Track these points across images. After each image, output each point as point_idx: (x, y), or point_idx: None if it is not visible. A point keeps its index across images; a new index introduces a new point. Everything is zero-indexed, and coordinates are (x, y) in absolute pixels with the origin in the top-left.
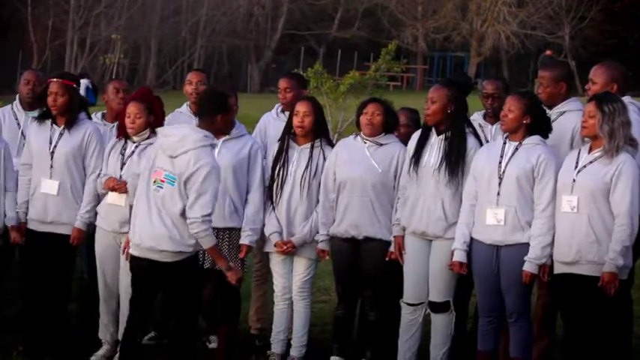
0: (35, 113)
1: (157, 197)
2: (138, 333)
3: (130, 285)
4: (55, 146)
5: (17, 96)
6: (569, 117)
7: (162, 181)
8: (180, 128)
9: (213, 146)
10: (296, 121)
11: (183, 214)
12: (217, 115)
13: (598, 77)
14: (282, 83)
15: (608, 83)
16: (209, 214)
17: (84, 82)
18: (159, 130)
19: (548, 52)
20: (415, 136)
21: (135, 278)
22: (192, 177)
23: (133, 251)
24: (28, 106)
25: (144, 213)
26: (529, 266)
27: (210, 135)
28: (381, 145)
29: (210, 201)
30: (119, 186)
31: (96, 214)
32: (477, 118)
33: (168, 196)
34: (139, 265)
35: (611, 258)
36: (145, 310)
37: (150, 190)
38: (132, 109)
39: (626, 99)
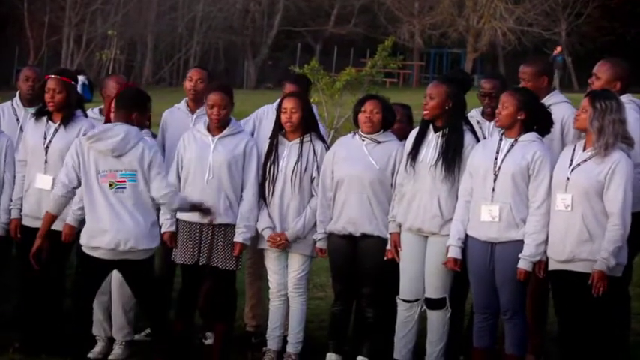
0: (34, 109)
1: (123, 198)
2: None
3: (123, 283)
4: (50, 142)
5: (17, 92)
6: (555, 109)
7: (122, 182)
8: (112, 129)
9: (146, 134)
10: (284, 117)
11: (149, 205)
12: (132, 113)
13: (603, 73)
14: (287, 88)
15: (612, 80)
16: (173, 183)
17: (80, 78)
18: (90, 136)
19: (558, 49)
20: (413, 134)
21: (94, 279)
22: (152, 162)
23: (102, 255)
24: (27, 103)
25: (111, 217)
26: (523, 263)
27: (137, 130)
28: (379, 142)
29: (171, 172)
30: None
31: None
32: (474, 115)
33: (134, 193)
34: (104, 267)
35: (604, 257)
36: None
37: (107, 194)
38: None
39: (627, 97)
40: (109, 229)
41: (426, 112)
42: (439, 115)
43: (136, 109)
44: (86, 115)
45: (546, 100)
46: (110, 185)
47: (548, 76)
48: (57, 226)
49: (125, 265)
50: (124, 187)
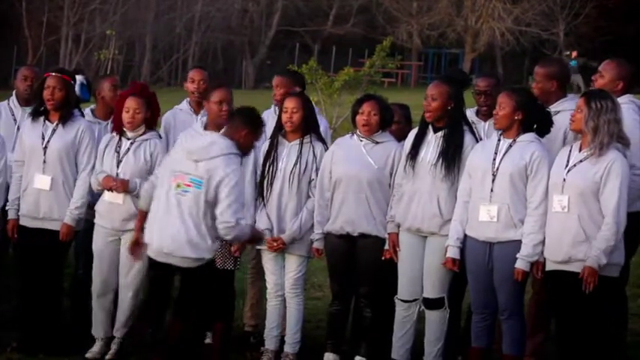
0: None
1: (182, 201)
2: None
3: (132, 282)
4: (48, 142)
5: (14, 92)
6: (561, 117)
7: (188, 185)
8: (207, 135)
9: (237, 156)
10: (284, 117)
11: (208, 217)
12: (243, 130)
13: (607, 72)
14: (274, 81)
15: (615, 80)
16: (241, 218)
17: (79, 78)
18: (183, 133)
19: (574, 54)
20: (412, 134)
21: (154, 281)
22: (222, 182)
23: (150, 253)
24: (24, 102)
25: (164, 218)
26: (521, 264)
27: (234, 146)
28: (378, 143)
29: (241, 205)
30: (116, 186)
31: (91, 211)
32: (469, 115)
33: (194, 200)
34: (158, 268)
35: (595, 255)
36: (160, 310)
37: (170, 194)
38: (131, 103)
39: (627, 97)
40: (156, 229)
41: (428, 113)
42: (441, 115)
43: (248, 128)
44: (83, 115)
45: (556, 106)
46: (178, 186)
47: (558, 81)
48: (54, 225)
49: (174, 272)
50: (187, 191)
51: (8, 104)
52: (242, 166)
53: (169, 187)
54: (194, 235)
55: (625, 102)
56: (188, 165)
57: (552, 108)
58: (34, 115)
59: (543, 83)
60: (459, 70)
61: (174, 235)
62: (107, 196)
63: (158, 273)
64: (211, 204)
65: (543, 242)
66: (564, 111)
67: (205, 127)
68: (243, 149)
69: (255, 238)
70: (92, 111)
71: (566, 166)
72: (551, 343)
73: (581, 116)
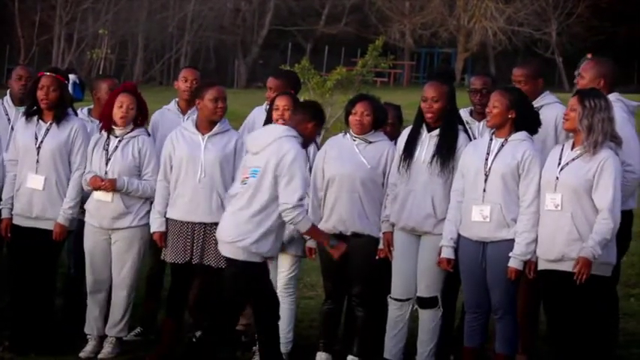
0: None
1: (243, 194)
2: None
3: (125, 281)
4: (42, 141)
5: (8, 91)
6: (547, 110)
7: (247, 178)
8: (267, 127)
9: (296, 138)
10: (276, 114)
11: (259, 207)
12: (310, 123)
13: (587, 72)
14: (269, 82)
15: (596, 78)
16: (301, 198)
17: (71, 77)
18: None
19: (589, 56)
20: (405, 133)
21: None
22: (279, 164)
23: (220, 249)
24: (19, 102)
25: (231, 210)
26: (514, 262)
27: (293, 129)
28: (370, 142)
29: (301, 185)
30: (105, 185)
31: (82, 210)
32: (463, 115)
33: (253, 190)
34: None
35: (590, 245)
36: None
37: (238, 189)
38: (125, 99)
39: (614, 96)
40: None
41: (430, 114)
42: (442, 115)
43: (315, 121)
44: (76, 114)
45: (538, 102)
46: (242, 181)
47: (543, 78)
48: (47, 225)
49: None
50: (246, 183)
51: (2, 104)
52: (235, 165)
53: (238, 184)
54: (243, 223)
55: (613, 100)
56: (250, 159)
57: (535, 103)
58: (28, 115)
59: (531, 83)
60: (445, 67)
61: (225, 225)
62: (96, 194)
63: (228, 270)
64: (268, 189)
65: (536, 241)
66: (548, 104)
67: (197, 127)
68: (307, 141)
69: (321, 236)
70: (89, 111)
71: (559, 164)
72: (542, 341)
73: (575, 115)
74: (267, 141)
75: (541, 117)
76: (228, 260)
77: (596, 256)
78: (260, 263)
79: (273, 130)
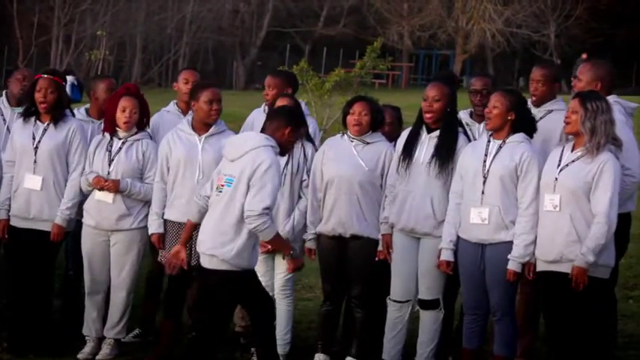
0: (21, 109)
1: (218, 202)
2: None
3: (125, 283)
4: (39, 142)
5: (4, 92)
6: (556, 116)
7: (222, 186)
8: (244, 134)
9: (273, 148)
10: None
11: (233, 220)
12: (286, 128)
13: (584, 74)
14: (267, 81)
15: (593, 81)
16: (268, 207)
17: (69, 78)
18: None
19: (584, 56)
20: (404, 134)
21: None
22: (254, 175)
23: (201, 261)
24: (16, 103)
25: (207, 220)
26: (513, 264)
27: (271, 139)
28: (368, 143)
29: (270, 194)
30: (108, 186)
31: (80, 211)
32: (463, 117)
33: (227, 199)
34: (205, 273)
35: (582, 253)
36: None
37: (213, 197)
38: (128, 103)
39: (612, 98)
40: (201, 231)
41: (430, 114)
42: (440, 117)
43: (291, 126)
44: (74, 115)
45: (549, 106)
46: (217, 188)
47: (559, 83)
48: (45, 226)
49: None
50: (221, 191)
51: None
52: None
53: (213, 191)
54: (218, 234)
55: (611, 102)
56: (226, 166)
57: (545, 107)
58: (26, 116)
59: (548, 86)
60: (449, 72)
61: (204, 236)
62: (97, 195)
63: (203, 280)
64: (241, 200)
65: (534, 242)
66: (558, 110)
67: (192, 127)
68: (283, 148)
69: (283, 246)
70: (86, 110)
71: (559, 165)
72: (541, 343)
73: (577, 117)
74: (244, 149)
75: (548, 122)
76: (210, 271)
77: (589, 263)
78: (241, 271)
79: (251, 138)
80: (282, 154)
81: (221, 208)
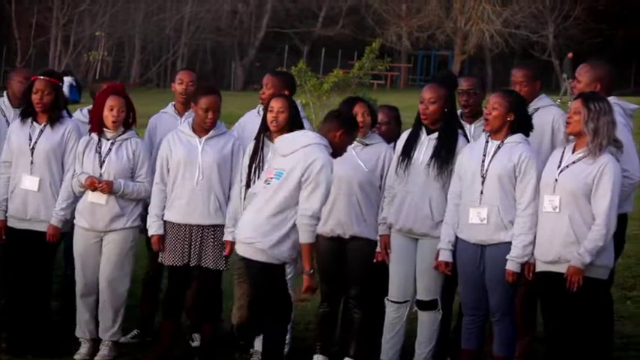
0: None
1: (264, 194)
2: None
3: (111, 282)
4: (36, 143)
5: (5, 93)
6: (543, 113)
7: (271, 178)
8: (297, 132)
9: (327, 147)
10: (270, 116)
11: (280, 212)
12: (339, 131)
13: (582, 76)
14: (265, 79)
15: (592, 82)
16: (319, 210)
17: (68, 79)
18: (278, 138)
19: (570, 55)
20: (404, 135)
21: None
22: (306, 170)
23: (237, 249)
24: (18, 103)
25: (250, 210)
26: (511, 265)
27: (324, 138)
28: (367, 144)
29: (324, 195)
30: (102, 187)
31: (73, 212)
32: None
33: (273, 191)
34: (245, 264)
35: (580, 253)
36: (259, 307)
37: (260, 189)
38: (115, 102)
39: (612, 99)
40: (242, 220)
41: (425, 116)
42: (437, 119)
43: (344, 128)
44: (70, 116)
45: (535, 104)
46: (265, 180)
47: (541, 80)
48: (42, 227)
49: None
50: (269, 183)
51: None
52: (232, 168)
53: (261, 183)
54: (260, 224)
55: (611, 104)
56: (278, 160)
57: (532, 105)
58: (23, 117)
59: (530, 85)
60: (447, 72)
61: (244, 226)
62: (90, 196)
63: (246, 269)
64: (289, 194)
65: (533, 243)
66: (544, 107)
67: (193, 129)
68: (337, 150)
69: (308, 259)
70: (89, 111)
71: (559, 166)
72: (540, 344)
73: (580, 118)
74: (297, 145)
75: (537, 119)
76: (247, 260)
77: (585, 264)
78: (278, 265)
79: (305, 135)
80: (334, 155)
81: (266, 199)
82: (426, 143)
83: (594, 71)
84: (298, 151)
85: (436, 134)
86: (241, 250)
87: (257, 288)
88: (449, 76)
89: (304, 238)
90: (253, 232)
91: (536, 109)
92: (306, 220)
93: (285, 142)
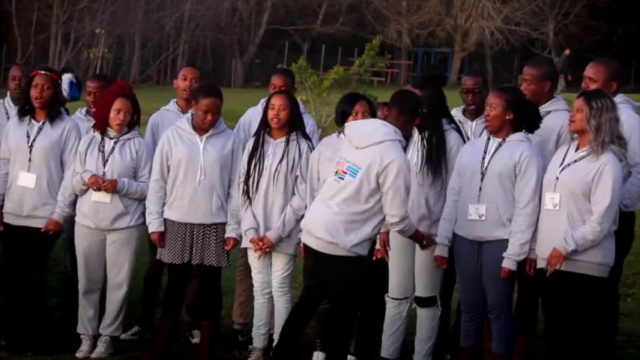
0: None
1: (336, 188)
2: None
3: (123, 281)
4: (34, 140)
5: (8, 91)
6: (554, 117)
7: (344, 173)
8: (371, 121)
9: (401, 142)
10: (271, 114)
11: (359, 210)
12: (415, 119)
13: (599, 75)
14: (277, 80)
15: (609, 81)
16: (405, 212)
17: (68, 76)
18: (348, 123)
19: (567, 52)
20: None
21: (304, 267)
22: (383, 172)
23: (304, 239)
24: (16, 101)
25: (320, 202)
26: (507, 262)
27: (399, 131)
28: None
29: (405, 199)
30: (106, 186)
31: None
32: (456, 114)
33: (347, 189)
34: (306, 253)
35: (566, 239)
36: (315, 301)
37: (330, 181)
38: (123, 105)
39: (621, 97)
40: (311, 211)
41: None
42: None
43: (416, 116)
44: (68, 114)
45: (547, 107)
46: (336, 172)
47: (551, 81)
48: (38, 223)
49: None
50: (342, 178)
51: (3, 104)
52: (233, 165)
53: (330, 173)
54: (336, 224)
55: (621, 101)
56: (350, 152)
57: (543, 108)
58: (21, 114)
59: (536, 84)
60: (432, 67)
61: (320, 219)
62: (94, 196)
63: (310, 261)
64: (369, 195)
65: (531, 241)
66: (556, 111)
67: (193, 127)
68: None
69: (419, 238)
70: (87, 111)
71: (562, 164)
72: (539, 342)
73: (582, 116)
74: (372, 140)
75: (547, 123)
76: (325, 256)
77: (568, 251)
78: (357, 257)
79: (380, 129)
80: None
81: (345, 196)
82: (418, 142)
83: (610, 70)
84: (373, 146)
85: (423, 135)
86: (311, 242)
87: (340, 279)
88: (435, 73)
89: (409, 234)
90: (331, 230)
91: (548, 112)
92: (400, 225)
93: (359, 131)
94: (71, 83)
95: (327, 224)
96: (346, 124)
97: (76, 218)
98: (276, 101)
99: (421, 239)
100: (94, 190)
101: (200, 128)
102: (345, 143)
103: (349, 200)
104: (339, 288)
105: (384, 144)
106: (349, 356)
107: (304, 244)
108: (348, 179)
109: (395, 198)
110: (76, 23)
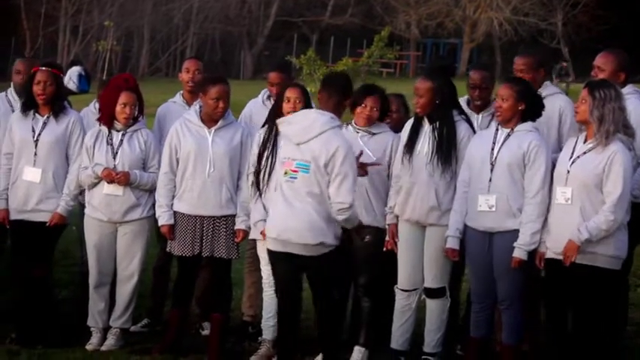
0: None
1: (293, 188)
2: (293, 326)
3: (133, 274)
4: (40, 134)
5: (12, 84)
6: (550, 101)
7: (295, 171)
8: (305, 113)
9: (340, 128)
10: (288, 107)
11: (323, 199)
12: (345, 100)
13: (607, 65)
14: (274, 78)
15: (617, 71)
16: (353, 199)
17: (77, 69)
18: (281, 120)
19: (564, 64)
20: (408, 125)
21: (276, 273)
22: (330, 161)
23: (270, 246)
24: (21, 94)
25: (281, 206)
26: (518, 252)
27: (335, 117)
28: (374, 134)
29: (353, 184)
30: (119, 178)
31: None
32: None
33: (305, 185)
34: (278, 258)
35: (580, 230)
36: (294, 302)
37: (281, 182)
38: (128, 99)
39: (630, 87)
40: (274, 217)
41: (418, 109)
42: (431, 110)
43: (346, 97)
44: (71, 106)
45: (540, 93)
46: (285, 173)
47: (545, 67)
48: (43, 217)
49: (297, 261)
50: (295, 177)
51: (6, 96)
52: (242, 157)
53: (280, 176)
54: (314, 220)
55: (630, 92)
56: (292, 150)
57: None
58: (24, 109)
59: (533, 73)
60: (441, 58)
61: (293, 222)
62: (105, 188)
63: (283, 266)
64: (326, 186)
65: (541, 231)
66: (550, 95)
67: (202, 119)
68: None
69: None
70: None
71: (571, 157)
72: (543, 333)
73: (586, 107)
74: (312, 133)
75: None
76: (302, 258)
77: (582, 242)
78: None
79: (317, 119)
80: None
81: (306, 193)
82: (429, 132)
83: (618, 60)
84: (314, 139)
85: (435, 125)
86: (299, 249)
87: (337, 272)
88: (444, 64)
89: (353, 224)
90: (314, 232)
91: (543, 98)
92: (346, 213)
93: (296, 127)
94: (80, 76)
95: (310, 226)
96: (278, 121)
97: (86, 211)
98: (292, 94)
99: (363, 233)
100: (107, 183)
101: (209, 120)
102: (284, 141)
103: (313, 196)
104: (322, 277)
105: (325, 134)
106: (359, 347)
107: (275, 251)
108: (302, 176)
109: (343, 184)
110: (84, 16)
